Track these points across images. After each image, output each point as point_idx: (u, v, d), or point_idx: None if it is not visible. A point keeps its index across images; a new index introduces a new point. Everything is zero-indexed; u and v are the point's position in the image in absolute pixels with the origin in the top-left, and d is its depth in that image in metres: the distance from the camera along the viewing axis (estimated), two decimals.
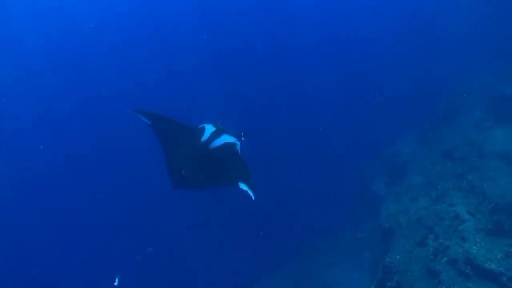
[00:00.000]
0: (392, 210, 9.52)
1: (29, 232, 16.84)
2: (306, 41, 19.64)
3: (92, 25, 19.79)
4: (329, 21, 20.07)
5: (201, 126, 4.90)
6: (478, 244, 7.07)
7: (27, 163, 18.23)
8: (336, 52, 18.98)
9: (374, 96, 15.81)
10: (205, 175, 4.48)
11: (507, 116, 9.89)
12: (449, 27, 15.46)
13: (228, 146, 4.66)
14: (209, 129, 4.80)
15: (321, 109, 16.78)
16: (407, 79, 14.98)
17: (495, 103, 10.77)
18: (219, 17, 20.85)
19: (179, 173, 4.27)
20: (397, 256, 8.15)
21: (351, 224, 11.93)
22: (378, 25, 18.67)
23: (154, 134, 4.69)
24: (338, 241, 11.81)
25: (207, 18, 20.48)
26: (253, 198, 4.14)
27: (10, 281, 15.51)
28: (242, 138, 4.80)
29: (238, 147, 4.71)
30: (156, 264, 13.83)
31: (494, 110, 10.50)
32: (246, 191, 4.23)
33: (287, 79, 18.42)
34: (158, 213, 14.90)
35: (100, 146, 18.11)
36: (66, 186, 17.62)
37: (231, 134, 4.83)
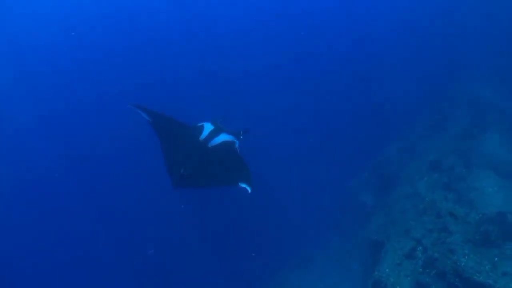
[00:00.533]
0: (381, 221, 9.54)
1: (28, 232, 16.34)
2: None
3: (73, 33, 19.80)
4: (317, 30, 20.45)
5: (199, 124, 4.87)
6: (466, 256, 7.06)
7: (27, 163, 17.92)
8: (328, 58, 19.16)
9: (362, 105, 15.96)
10: (204, 174, 4.43)
11: (495, 125, 9.99)
12: (440, 33, 15.89)
13: (226, 145, 4.62)
14: (207, 127, 4.76)
15: (310, 118, 16.88)
16: (396, 87, 15.15)
17: (483, 111, 10.86)
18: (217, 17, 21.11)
19: (178, 172, 4.22)
20: (386, 269, 8.11)
21: (339, 236, 11.80)
22: (368, 31, 19.05)
23: (154, 132, 4.68)
24: (328, 253, 11.65)
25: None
26: (249, 191, 4.09)
27: (11, 281, 15.14)
28: (241, 137, 4.77)
29: (236, 145, 4.67)
30: (154, 266, 13.57)
31: (482, 118, 10.57)
32: (243, 187, 4.19)
33: (279, 84, 18.54)
34: (158, 214, 14.58)
35: (100, 146, 17.83)
36: (65, 186, 17.20)
37: (229, 132, 4.81)
